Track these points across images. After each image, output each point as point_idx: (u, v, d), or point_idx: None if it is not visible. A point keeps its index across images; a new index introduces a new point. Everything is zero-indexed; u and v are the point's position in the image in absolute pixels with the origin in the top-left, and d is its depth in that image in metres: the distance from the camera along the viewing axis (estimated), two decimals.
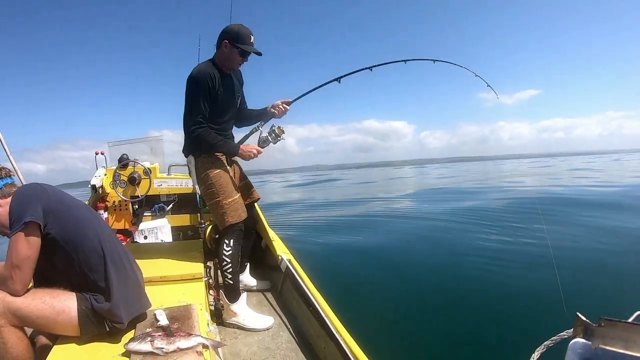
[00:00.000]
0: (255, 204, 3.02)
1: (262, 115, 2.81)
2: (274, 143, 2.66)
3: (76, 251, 1.61)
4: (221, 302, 2.60)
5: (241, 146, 2.62)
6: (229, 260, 2.55)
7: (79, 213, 1.70)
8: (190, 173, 2.67)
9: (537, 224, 6.65)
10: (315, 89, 2.77)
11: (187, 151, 2.64)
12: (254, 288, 3.09)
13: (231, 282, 2.58)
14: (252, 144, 2.69)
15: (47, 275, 1.68)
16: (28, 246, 1.49)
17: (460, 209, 9.33)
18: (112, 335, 1.65)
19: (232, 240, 2.56)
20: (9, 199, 1.62)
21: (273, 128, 2.67)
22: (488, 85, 3.23)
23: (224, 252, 2.54)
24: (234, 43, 2.44)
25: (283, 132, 2.64)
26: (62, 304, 1.58)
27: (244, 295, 2.63)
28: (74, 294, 1.63)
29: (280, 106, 2.74)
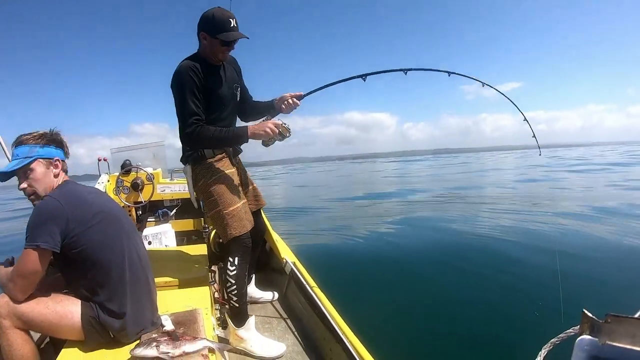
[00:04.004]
0: (261, 210, 2.73)
1: (269, 109, 2.48)
2: (280, 141, 2.32)
3: (93, 270, 1.61)
4: (227, 307, 2.55)
5: (250, 126, 2.20)
6: (233, 282, 2.24)
7: (106, 232, 1.63)
8: (187, 184, 2.45)
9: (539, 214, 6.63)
10: (334, 83, 2.44)
11: (184, 159, 2.38)
12: (260, 300, 2.94)
13: (237, 305, 2.27)
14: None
15: (60, 281, 1.71)
16: (37, 264, 1.49)
17: (461, 204, 9.30)
18: (117, 341, 1.66)
19: (237, 258, 2.24)
20: (49, 174, 1.63)
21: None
22: (518, 110, 2.66)
23: (229, 271, 2.24)
24: (212, 33, 2.12)
25: (289, 130, 2.27)
26: (65, 309, 1.60)
27: (251, 319, 2.32)
28: (78, 300, 1.64)
29: (289, 100, 2.39)
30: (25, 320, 1.55)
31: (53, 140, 1.66)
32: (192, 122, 2.08)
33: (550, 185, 14.46)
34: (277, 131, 2.15)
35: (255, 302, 2.90)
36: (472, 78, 2.73)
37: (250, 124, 2.30)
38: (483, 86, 2.67)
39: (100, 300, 1.63)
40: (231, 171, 2.35)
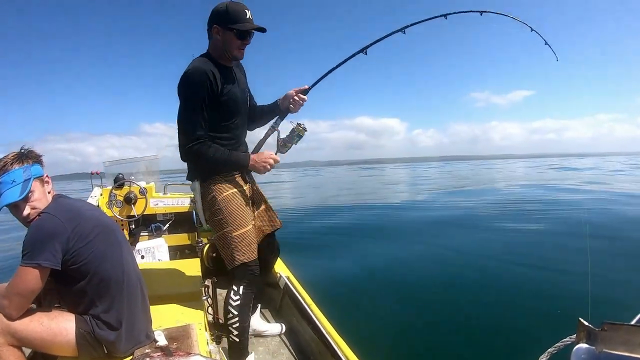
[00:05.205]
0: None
1: (275, 111, 2.25)
2: (296, 144, 2.15)
3: (92, 283, 1.58)
4: (220, 320, 2.50)
5: (253, 157, 2.04)
6: (236, 313, 2.01)
7: (105, 245, 1.61)
8: (195, 201, 2.21)
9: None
10: (337, 66, 2.21)
11: (191, 175, 2.12)
12: (265, 333, 2.62)
13: (237, 340, 2.04)
14: (267, 150, 2.15)
15: (52, 295, 1.68)
16: (36, 282, 1.46)
17: (459, 212, 9.35)
18: (110, 356, 1.63)
19: (242, 287, 2.02)
20: (45, 191, 1.58)
21: (293, 128, 2.15)
22: (546, 43, 2.73)
23: (232, 301, 2.01)
24: (226, 25, 1.90)
25: (305, 130, 2.10)
26: (60, 326, 1.56)
27: (251, 357, 2.15)
28: (73, 315, 1.61)
29: (295, 97, 2.17)
30: (19, 337, 1.51)
31: (35, 157, 1.60)
32: (197, 137, 1.90)
33: None
34: (275, 165, 2.07)
35: (259, 335, 2.62)
36: (505, 15, 2.57)
37: (254, 152, 2.17)
38: (532, 31, 2.61)
39: (97, 313, 1.60)
40: (244, 188, 2.12)
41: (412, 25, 2.30)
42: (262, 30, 1.96)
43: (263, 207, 2.30)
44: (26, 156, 1.57)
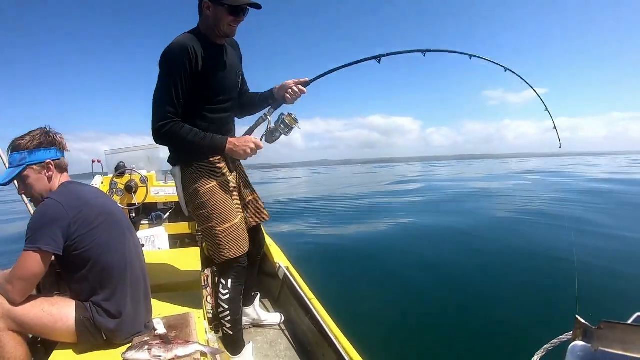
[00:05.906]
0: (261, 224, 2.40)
1: (268, 101, 2.12)
2: (286, 134, 2.02)
3: (95, 271, 1.59)
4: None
5: (231, 140, 1.88)
6: (226, 307, 2.00)
7: (109, 233, 1.62)
8: (176, 187, 2.10)
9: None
10: (345, 66, 2.07)
11: (172, 160, 2.01)
12: (264, 323, 2.62)
13: (231, 333, 2.04)
14: (254, 137, 2.01)
15: (54, 281, 1.70)
16: (38, 266, 1.48)
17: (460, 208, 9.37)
18: (109, 343, 1.64)
19: (230, 280, 1.99)
20: (43, 178, 1.60)
21: (282, 117, 2.00)
22: (554, 127, 2.50)
23: (221, 295, 2.00)
24: (217, 0, 1.77)
25: (296, 121, 1.98)
26: (61, 312, 1.58)
27: (249, 347, 2.12)
28: (73, 301, 1.63)
29: (294, 88, 2.02)
30: (20, 322, 1.53)
31: (41, 143, 1.60)
32: (167, 115, 1.76)
33: None
34: (256, 152, 1.92)
35: (258, 325, 2.63)
36: (494, 62, 2.37)
37: (241, 130, 2.03)
38: (505, 71, 2.34)
39: (99, 300, 1.61)
40: (229, 178, 2.02)
41: (433, 50, 2.17)
42: (257, 6, 1.82)
43: (250, 198, 2.24)
44: (32, 140, 1.59)
